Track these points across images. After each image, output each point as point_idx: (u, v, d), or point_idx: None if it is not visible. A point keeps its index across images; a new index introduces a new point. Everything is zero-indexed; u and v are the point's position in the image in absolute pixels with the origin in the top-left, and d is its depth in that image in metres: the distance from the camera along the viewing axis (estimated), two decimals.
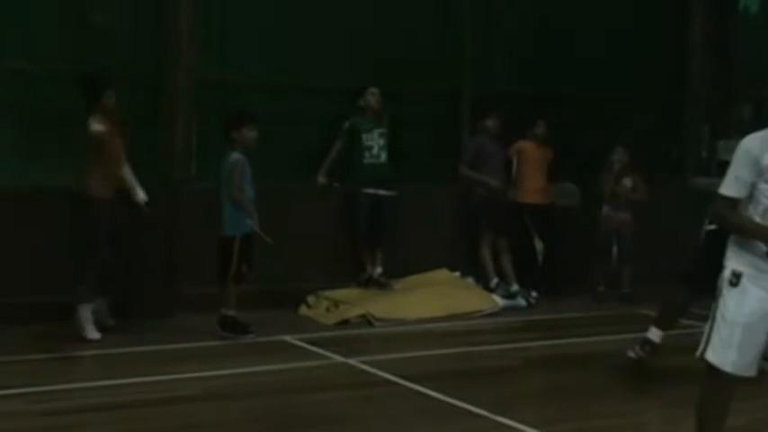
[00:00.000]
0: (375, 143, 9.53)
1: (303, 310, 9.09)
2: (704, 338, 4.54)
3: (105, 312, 8.10)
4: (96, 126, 7.66)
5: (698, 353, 4.49)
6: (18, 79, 8.50)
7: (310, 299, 9.15)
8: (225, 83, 9.28)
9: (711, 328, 4.56)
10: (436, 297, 9.23)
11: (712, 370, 4.48)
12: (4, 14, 8.43)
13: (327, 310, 8.91)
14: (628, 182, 10.25)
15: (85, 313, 7.78)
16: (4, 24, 8.44)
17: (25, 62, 8.45)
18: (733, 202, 4.52)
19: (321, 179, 9.55)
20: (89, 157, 7.81)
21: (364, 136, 9.50)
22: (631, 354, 7.26)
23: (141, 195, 8.13)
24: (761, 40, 11.37)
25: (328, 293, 9.17)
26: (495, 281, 9.89)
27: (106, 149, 7.81)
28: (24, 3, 8.55)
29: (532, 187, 10.16)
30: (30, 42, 8.50)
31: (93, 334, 7.74)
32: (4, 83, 8.45)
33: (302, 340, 7.99)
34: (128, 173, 8.09)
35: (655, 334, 7.26)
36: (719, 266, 4.68)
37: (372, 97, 9.50)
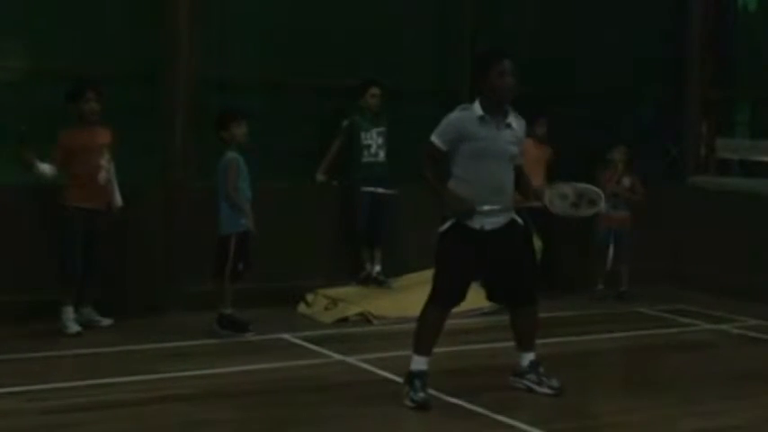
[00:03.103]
0: (374, 142, 9.52)
1: (302, 308, 9.08)
2: None
3: (94, 314, 8.12)
4: (44, 167, 7.77)
5: None
6: (18, 79, 8.50)
7: (309, 297, 9.14)
8: (225, 82, 9.28)
9: None
10: None
11: None
12: (4, 14, 8.42)
13: (326, 308, 8.91)
14: (626, 181, 10.26)
15: (67, 315, 7.83)
16: (3, 24, 8.43)
17: (25, 62, 8.44)
18: None
19: (320, 177, 9.54)
20: (61, 163, 7.87)
21: (363, 135, 9.49)
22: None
23: (118, 201, 8.15)
24: (760, 38, 11.37)
25: (327, 292, 9.16)
26: None
27: (75, 155, 7.84)
28: (24, 3, 8.54)
29: None
30: (30, 42, 8.49)
31: (74, 327, 7.78)
32: (4, 83, 8.45)
33: (301, 338, 7.99)
34: (107, 178, 8.07)
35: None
36: None
37: (373, 99, 9.49)
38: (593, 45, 11.08)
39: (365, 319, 8.77)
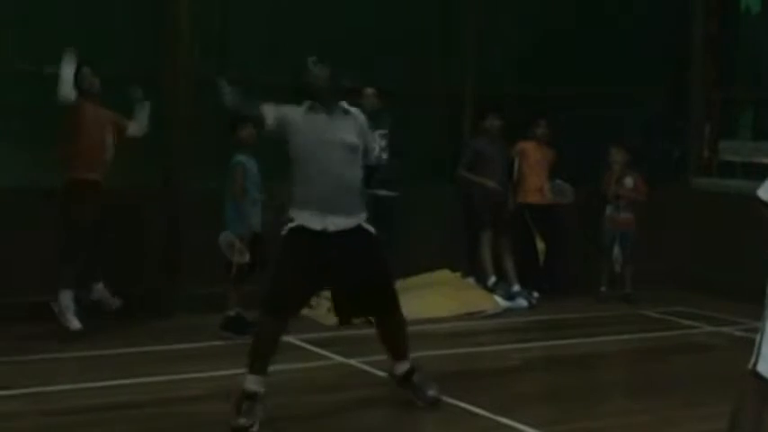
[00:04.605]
0: (376, 144, 9.49)
1: (304, 310, 9.06)
2: (755, 351, 4.43)
3: (106, 293, 8.02)
4: (66, 91, 7.52)
5: (749, 365, 4.40)
6: (18, 79, 8.50)
7: (312, 299, 9.11)
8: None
9: (761, 340, 4.46)
10: (437, 298, 9.21)
11: (760, 380, 4.36)
12: (4, 14, 8.42)
13: (329, 310, 8.86)
14: (629, 181, 10.24)
15: (66, 301, 7.66)
16: (4, 24, 8.44)
17: (25, 62, 8.44)
18: None
19: None
20: (67, 137, 7.74)
21: None
22: None
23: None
24: (762, 40, 11.36)
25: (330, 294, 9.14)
26: (492, 280, 9.87)
27: (83, 126, 7.75)
28: (24, 3, 8.54)
29: (534, 187, 10.16)
30: (30, 42, 8.49)
31: (75, 324, 7.66)
32: (5, 83, 8.45)
33: (303, 341, 7.98)
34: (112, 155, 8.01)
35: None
36: None
37: (367, 99, 9.48)
38: (595, 46, 11.08)
39: (367, 321, 8.73)
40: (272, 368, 7.07)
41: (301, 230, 5.85)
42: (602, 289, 10.23)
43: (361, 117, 6.14)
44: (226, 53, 9.34)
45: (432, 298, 9.18)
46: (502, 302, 9.61)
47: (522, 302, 9.77)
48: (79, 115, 7.80)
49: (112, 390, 6.47)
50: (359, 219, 6.00)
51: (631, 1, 11.42)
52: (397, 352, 6.30)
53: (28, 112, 8.38)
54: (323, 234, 5.82)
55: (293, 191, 5.96)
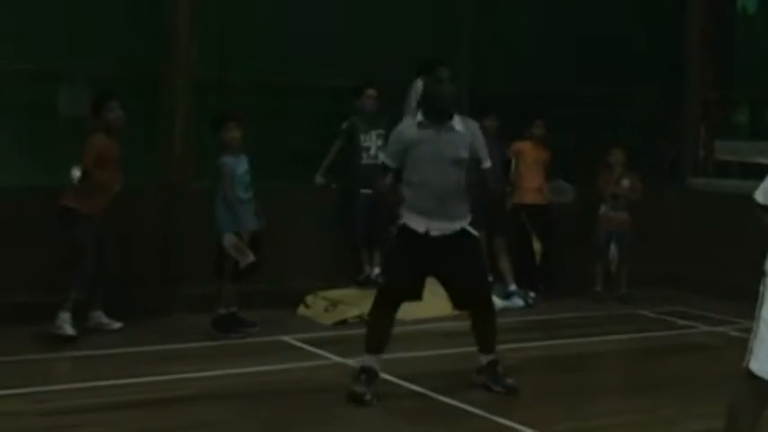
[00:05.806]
0: (373, 144, 9.52)
1: (301, 310, 9.09)
2: (748, 348, 4.44)
3: (103, 317, 8.06)
4: (76, 173, 7.59)
5: (744, 363, 4.41)
6: (18, 79, 8.51)
7: (308, 299, 9.14)
8: (223, 83, 9.28)
9: (755, 337, 4.47)
10: (434, 297, 9.17)
11: (753, 378, 4.36)
12: (4, 14, 8.43)
13: (326, 310, 8.91)
14: (626, 182, 10.26)
15: (63, 317, 7.61)
16: (4, 24, 8.45)
17: (25, 62, 8.45)
18: None
19: (319, 179, 9.54)
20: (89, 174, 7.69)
21: (362, 137, 9.48)
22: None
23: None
24: (758, 40, 11.38)
25: (326, 293, 9.17)
26: None
27: (99, 169, 7.74)
28: (24, 3, 8.55)
29: (531, 187, 10.15)
30: (30, 42, 8.50)
31: (69, 330, 7.57)
32: (5, 83, 8.46)
33: (300, 340, 7.99)
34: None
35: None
36: None
37: (369, 100, 9.49)
38: (593, 45, 11.10)
39: (364, 321, 8.76)
40: (268, 368, 7.15)
41: (407, 230, 6.44)
42: (598, 289, 10.24)
43: (475, 128, 6.59)
44: (225, 54, 9.40)
45: (427, 297, 9.16)
46: (498, 302, 9.59)
47: (519, 302, 9.77)
48: (101, 152, 7.74)
49: (109, 389, 6.48)
50: (462, 223, 6.53)
51: (629, 0, 11.43)
52: (487, 345, 6.68)
53: (28, 112, 8.39)
54: (425, 236, 6.39)
55: (406, 193, 6.46)
